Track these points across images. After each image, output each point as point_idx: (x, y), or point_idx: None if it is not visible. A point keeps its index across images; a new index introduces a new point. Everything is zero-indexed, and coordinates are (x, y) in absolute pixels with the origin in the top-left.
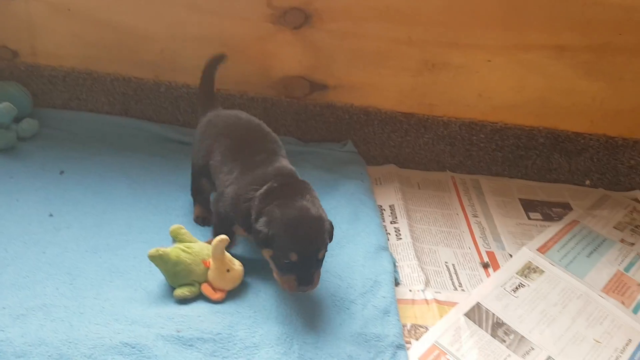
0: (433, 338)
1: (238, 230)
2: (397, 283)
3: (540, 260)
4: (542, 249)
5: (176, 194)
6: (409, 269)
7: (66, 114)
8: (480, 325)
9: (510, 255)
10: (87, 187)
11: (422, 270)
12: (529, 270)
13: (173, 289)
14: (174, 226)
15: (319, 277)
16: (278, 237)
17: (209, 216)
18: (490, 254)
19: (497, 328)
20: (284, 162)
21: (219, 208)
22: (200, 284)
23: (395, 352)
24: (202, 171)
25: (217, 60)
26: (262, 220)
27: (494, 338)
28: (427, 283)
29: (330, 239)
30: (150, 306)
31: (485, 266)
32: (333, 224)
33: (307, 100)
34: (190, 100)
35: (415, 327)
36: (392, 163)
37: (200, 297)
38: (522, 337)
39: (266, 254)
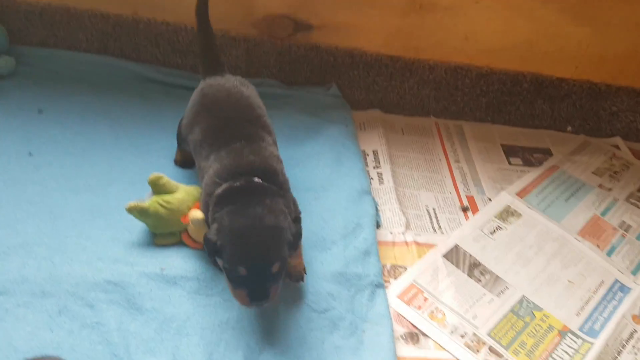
0: (411, 277)
1: None
2: (378, 226)
3: (518, 204)
4: (521, 194)
5: (157, 135)
6: (390, 212)
7: (43, 51)
8: (457, 266)
9: (490, 200)
10: (66, 127)
11: (403, 213)
12: (507, 213)
13: (154, 235)
14: (153, 175)
15: (276, 291)
16: (226, 249)
17: (190, 160)
18: (470, 199)
19: (474, 268)
20: (265, 153)
21: (204, 204)
22: (181, 232)
23: (375, 290)
24: (184, 139)
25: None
26: (213, 227)
27: (470, 278)
28: (407, 226)
29: (295, 247)
30: (133, 246)
31: (465, 210)
32: (302, 207)
33: (290, 41)
34: (169, 38)
35: (394, 267)
36: (377, 108)
37: (182, 243)
38: (498, 277)
39: (219, 262)
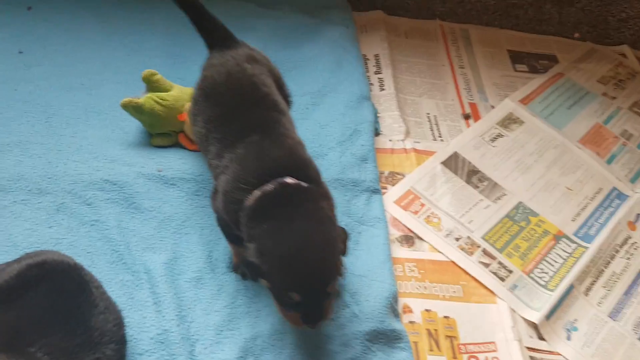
0: (409, 184)
1: None
2: (377, 133)
3: (521, 112)
4: (525, 100)
5: (149, 34)
6: (390, 119)
7: None
8: (455, 173)
9: (493, 107)
10: (56, 24)
11: (403, 121)
12: (509, 121)
13: (150, 136)
14: (146, 71)
15: (331, 308)
16: (274, 275)
17: None
18: (473, 106)
19: (472, 175)
20: (288, 143)
21: (216, 209)
22: (177, 133)
23: (371, 196)
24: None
25: None
26: (253, 248)
27: (468, 184)
28: (407, 133)
29: (344, 252)
30: (129, 146)
31: (467, 117)
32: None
33: None
34: None
35: (392, 174)
36: (379, 9)
37: (178, 144)
38: (496, 183)
39: (263, 282)
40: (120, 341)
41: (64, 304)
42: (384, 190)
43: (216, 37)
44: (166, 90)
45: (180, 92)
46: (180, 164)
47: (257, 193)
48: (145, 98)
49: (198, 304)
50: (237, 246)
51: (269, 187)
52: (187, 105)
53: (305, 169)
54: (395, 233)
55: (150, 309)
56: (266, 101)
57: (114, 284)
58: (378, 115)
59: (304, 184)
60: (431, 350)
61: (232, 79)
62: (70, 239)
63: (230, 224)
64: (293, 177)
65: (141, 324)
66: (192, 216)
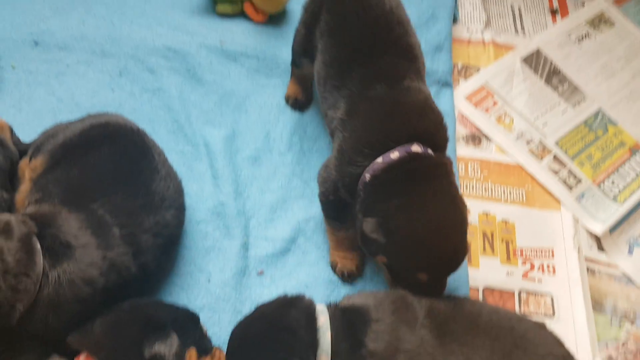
0: (484, 79)
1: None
2: (455, 19)
3: (613, 12)
4: (619, 1)
5: None
6: (470, 6)
7: None
8: (535, 71)
9: (583, 4)
10: None
11: (484, 9)
12: (599, 21)
13: (215, 3)
14: None
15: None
16: (400, 255)
17: (304, 99)
18: (562, 1)
19: (553, 76)
20: (417, 98)
21: (323, 179)
22: (242, 2)
23: (441, 89)
24: (305, 51)
25: None
26: (373, 222)
27: (547, 85)
28: (487, 24)
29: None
30: (192, 13)
31: (554, 12)
32: None
33: None
34: None
35: (466, 67)
36: None
37: (243, 14)
38: (577, 87)
39: (379, 259)
40: (179, 208)
41: (127, 166)
42: (455, 84)
43: None
44: None
45: None
46: (243, 38)
47: (380, 161)
48: None
49: (254, 181)
50: (338, 229)
51: (395, 155)
52: None
53: (434, 133)
54: (462, 131)
55: (208, 182)
56: (399, 45)
57: (174, 154)
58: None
59: (431, 154)
60: (484, 251)
61: (368, 13)
62: (132, 104)
63: (340, 193)
64: (421, 142)
65: (199, 194)
66: (252, 94)
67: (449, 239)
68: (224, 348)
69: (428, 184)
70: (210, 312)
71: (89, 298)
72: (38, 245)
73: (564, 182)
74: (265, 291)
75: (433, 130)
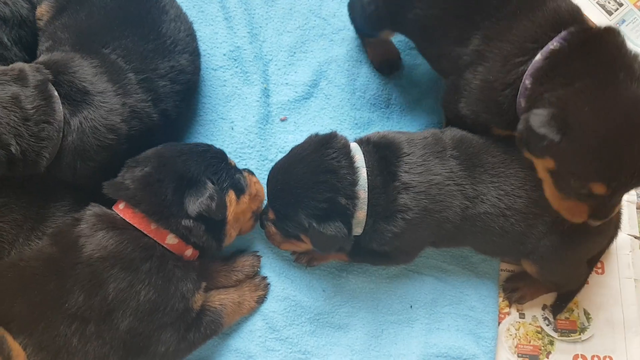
0: None
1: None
2: None
3: None
4: None
5: None
6: None
7: None
8: None
9: None
10: None
11: None
12: None
13: None
14: None
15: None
16: (577, 154)
17: (395, 57)
18: None
19: None
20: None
21: (457, 109)
22: None
23: None
24: (387, 15)
25: None
26: (544, 114)
27: None
28: None
29: None
30: None
31: None
32: None
33: None
34: None
35: None
36: None
37: None
38: None
39: (541, 164)
40: (193, 52)
41: (133, 6)
42: None
43: None
44: None
45: None
46: None
47: (540, 57)
48: None
49: (269, 22)
50: None
51: (554, 44)
52: None
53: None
54: None
55: (221, 24)
56: None
57: None
58: None
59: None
60: None
61: None
62: None
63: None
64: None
65: (213, 39)
66: None
67: None
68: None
69: (614, 61)
70: (236, 159)
71: (114, 145)
72: (55, 92)
73: (603, 7)
74: (289, 137)
75: (580, 16)
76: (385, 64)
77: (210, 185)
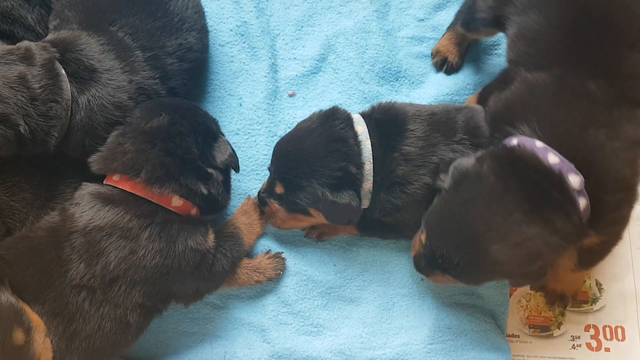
0: None
1: None
2: None
3: None
4: None
5: None
6: None
7: None
8: None
9: None
10: None
11: None
12: None
13: None
14: None
15: None
16: None
17: (458, 60)
18: None
19: None
20: None
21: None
22: None
23: None
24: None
25: None
26: None
27: None
28: None
29: None
30: None
31: None
32: None
33: None
34: None
35: None
36: None
37: None
38: None
39: None
40: (202, 30)
41: None
42: None
43: None
44: None
45: None
46: None
47: None
48: None
49: None
50: None
51: None
52: None
53: None
54: None
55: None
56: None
57: None
58: None
59: None
60: None
61: None
62: None
63: None
64: None
65: (220, 14)
66: None
67: None
68: (261, 168)
69: None
70: (245, 135)
71: (122, 122)
72: (63, 71)
73: None
74: (298, 112)
75: None
76: (442, 62)
77: (224, 137)
